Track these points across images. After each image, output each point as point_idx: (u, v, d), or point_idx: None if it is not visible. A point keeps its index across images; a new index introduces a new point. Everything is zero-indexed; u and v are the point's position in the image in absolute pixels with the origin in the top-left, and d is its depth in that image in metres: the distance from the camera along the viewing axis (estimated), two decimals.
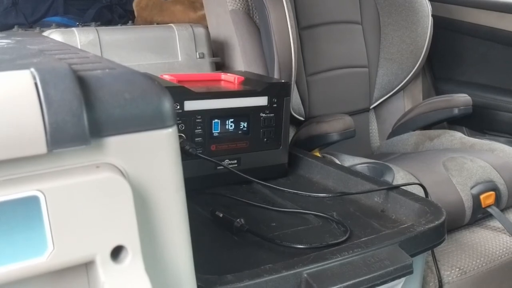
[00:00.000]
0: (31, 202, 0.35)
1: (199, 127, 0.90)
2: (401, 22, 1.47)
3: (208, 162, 0.88)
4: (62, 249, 0.36)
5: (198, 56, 1.20)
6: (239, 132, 0.94)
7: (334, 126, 1.09)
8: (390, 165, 1.07)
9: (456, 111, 1.36)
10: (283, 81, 1.02)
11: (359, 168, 1.06)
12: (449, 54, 1.66)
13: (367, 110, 1.52)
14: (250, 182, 0.93)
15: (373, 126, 1.53)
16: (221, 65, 1.31)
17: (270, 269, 0.60)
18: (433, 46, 1.50)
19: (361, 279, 0.60)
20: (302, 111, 1.33)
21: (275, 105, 0.96)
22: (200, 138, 0.90)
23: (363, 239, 0.69)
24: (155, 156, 0.41)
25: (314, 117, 1.26)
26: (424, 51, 1.48)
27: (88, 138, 0.37)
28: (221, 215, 0.78)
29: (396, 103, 1.53)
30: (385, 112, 1.54)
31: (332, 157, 1.12)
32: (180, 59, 1.17)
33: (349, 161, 1.09)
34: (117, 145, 0.39)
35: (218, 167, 0.91)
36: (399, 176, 1.04)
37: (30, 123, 0.35)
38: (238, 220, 0.75)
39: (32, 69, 0.37)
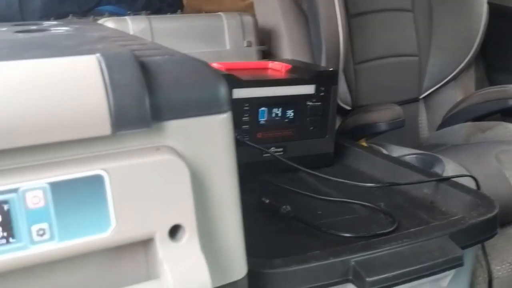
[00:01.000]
0: (96, 181, 0.37)
1: (246, 115, 0.91)
2: (454, 9, 1.42)
3: (254, 149, 0.89)
4: (124, 226, 0.38)
5: (245, 45, 1.21)
6: (285, 120, 0.94)
7: (382, 116, 1.08)
8: (440, 157, 1.04)
9: (511, 102, 1.31)
10: (331, 69, 1.02)
11: (407, 159, 1.04)
12: (505, 43, 1.59)
13: (416, 100, 1.48)
14: (295, 171, 0.94)
15: (423, 117, 1.49)
16: (267, 54, 1.31)
17: (317, 255, 0.60)
18: (487, 34, 1.44)
19: (410, 269, 0.60)
20: (349, 100, 1.32)
21: (322, 94, 0.96)
22: (247, 126, 0.91)
23: (412, 229, 0.68)
24: (211, 140, 0.43)
25: (361, 107, 1.24)
26: (478, 39, 1.43)
27: (149, 122, 0.38)
28: (267, 201, 0.79)
29: (447, 93, 1.48)
30: (435, 102, 1.50)
31: (379, 147, 1.11)
32: (228, 48, 1.18)
33: (397, 151, 1.07)
34: (175, 129, 0.41)
35: (264, 155, 0.92)
36: (449, 168, 1.02)
37: (96, 106, 0.37)
38: (284, 206, 0.76)
39: (98, 54, 0.38)
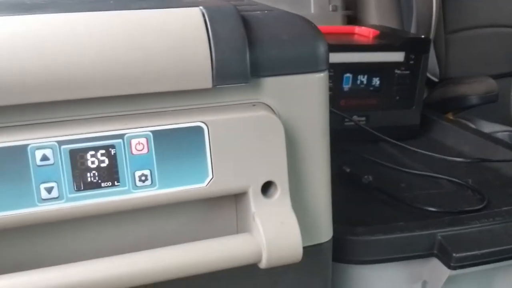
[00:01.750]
0: (196, 132, 0.38)
1: (330, 81, 0.89)
2: None
3: (336, 117, 0.87)
4: (220, 178, 0.39)
5: (331, 9, 1.17)
6: (371, 88, 0.91)
7: (474, 88, 1.01)
8: None
9: None
10: (422, 36, 0.96)
11: (499, 136, 0.98)
12: None
13: (510, 74, 1.37)
14: (377, 141, 0.91)
15: None
16: (353, 19, 1.27)
17: (402, 227, 0.58)
18: None
19: (502, 248, 0.57)
20: (437, 71, 1.24)
21: (411, 62, 0.91)
22: (330, 92, 0.88)
23: (504, 208, 0.64)
24: (307, 99, 0.42)
25: (449, 79, 1.17)
26: None
27: (249, 77, 0.38)
28: (348, 170, 0.78)
29: None
30: None
31: (468, 122, 1.04)
32: (312, 11, 1.15)
33: (487, 127, 1.01)
34: (272, 86, 0.41)
35: (346, 123, 0.90)
36: None
37: (199, 59, 0.37)
38: (366, 176, 0.74)
39: (201, 7, 0.38)
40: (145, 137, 0.37)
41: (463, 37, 1.28)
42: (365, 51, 0.89)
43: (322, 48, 0.41)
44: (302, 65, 0.41)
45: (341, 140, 0.90)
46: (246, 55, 0.38)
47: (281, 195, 0.40)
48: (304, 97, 0.42)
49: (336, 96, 0.89)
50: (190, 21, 0.37)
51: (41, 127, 0.35)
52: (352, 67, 0.89)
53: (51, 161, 0.35)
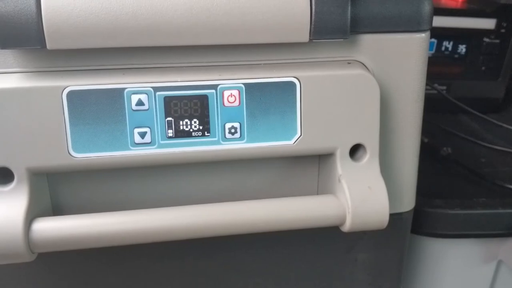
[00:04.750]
0: (288, 88, 0.37)
1: None
2: None
3: None
4: (308, 137, 0.38)
5: None
6: (456, 55, 0.86)
7: None
8: None
9: None
10: None
11: None
12: None
13: None
14: (457, 112, 0.86)
15: None
16: None
17: (484, 203, 0.56)
18: None
19: None
20: None
21: (503, 30, 0.84)
22: None
23: None
24: (405, 60, 0.39)
25: None
26: None
27: (347, 32, 0.36)
28: (426, 140, 0.75)
29: None
30: None
31: None
32: None
33: None
34: (370, 44, 0.38)
35: (427, 90, 0.86)
36: None
37: (298, 11, 0.35)
38: (445, 148, 0.71)
39: None
40: (237, 89, 0.36)
41: None
42: (453, 15, 0.83)
43: (427, 6, 0.38)
44: (404, 23, 0.38)
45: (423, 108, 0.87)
46: (347, 9, 0.36)
47: (369, 159, 0.39)
48: (403, 58, 0.39)
49: None
50: None
51: (138, 72, 0.36)
52: (438, 32, 0.83)
53: (145, 107, 0.35)
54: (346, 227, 0.38)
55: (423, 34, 0.39)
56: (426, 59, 0.40)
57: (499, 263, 0.60)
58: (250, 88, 0.36)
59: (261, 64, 0.38)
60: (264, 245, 0.44)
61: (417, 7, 0.38)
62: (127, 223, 0.35)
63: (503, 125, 0.75)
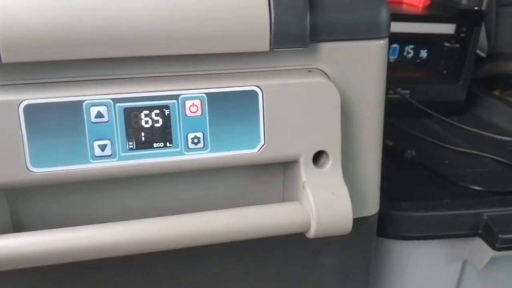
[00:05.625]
0: (250, 97, 0.37)
1: None
2: None
3: None
4: (272, 145, 0.38)
5: None
6: (418, 60, 0.88)
7: None
8: None
9: None
10: (476, 8, 0.91)
11: None
12: None
13: None
14: (420, 116, 0.88)
15: None
16: None
17: (447, 204, 0.57)
18: None
19: None
20: (485, 46, 1.19)
21: (462, 35, 0.87)
22: None
23: None
24: (364, 67, 0.40)
25: (498, 54, 1.12)
26: None
27: (307, 41, 0.37)
28: (390, 143, 0.76)
29: None
30: None
31: None
32: None
33: None
34: (330, 52, 0.39)
35: (390, 95, 0.88)
36: None
37: (258, 21, 0.36)
38: (409, 151, 0.72)
39: None
40: (199, 99, 0.36)
41: None
42: (415, 21, 0.85)
43: (384, 14, 0.39)
44: (362, 31, 0.39)
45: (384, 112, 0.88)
46: (306, 18, 0.36)
47: (332, 165, 0.39)
48: (362, 65, 0.40)
49: None
50: None
51: (97, 83, 0.35)
52: (400, 38, 0.85)
53: (105, 119, 0.35)
54: (311, 234, 0.38)
55: (381, 41, 0.40)
56: (385, 65, 0.41)
57: (464, 262, 0.62)
58: (212, 98, 0.36)
59: (223, 73, 0.38)
60: (231, 254, 0.44)
61: (375, 15, 0.39)
62: (89, 238, 0.35)
63: (465, 127, 0.77)
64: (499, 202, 0.58)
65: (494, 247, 0.55)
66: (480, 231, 0.57)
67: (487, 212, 0.56)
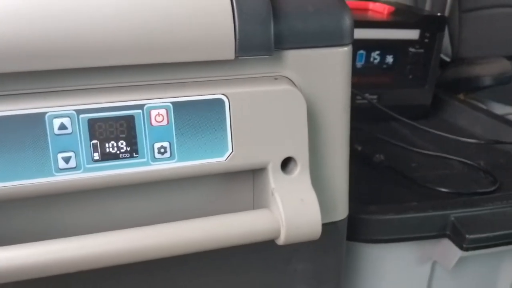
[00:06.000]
0: (217, 105, 0.37)
1: None
2: None
3: None
4: (240, 152, 0.38)
5: None
6: (384, 66, 0.89)
7: (488, 69, 0.99)
8: None
9: None
10: (438, 14, 0.94)
11: (511, 118, 0.97)
12: None
13: None
14: (387, 120, 0.90)
15: None
16: None
17: (415, 207, 0.58)
18: None
19: None
20: (449, 50, 1.22)
21: (426, 40, 0.89)
22: None
23: None
24: (329, 74, 0.41)
25: (462, 59, 1.15)
26: None
27: (272, 48, 0.37)
28: (359, 148, 0.77)
29: None
30: None
31: (479, 104, 1.03)
32: None
33: (500, 109, 0.99)
34: (295, 59, 0.39)
35: (357, 101, 0.89)
36: None
37: (222, 29, 0.36)
38: (377, 155, 0.73)
39: None
40: (165, 108, 0.36)
41: (478, 16, 1.26)
42: (380, 27, 0.87)
43: (347, 21, 0.40)
44: (326, 38, 0.39)
45: (352, 118, 0.90)
46: (270, 26, 0.36)
47: (300, 172, 0.39)
48: (327, 71, 0.40)
49: None
50: None
51: (59, 95, 0.34)
52: (366, 44, 0.87)
53: (69, 130, 0.34)
54: (281, 241, 0.38)
55: (345, 48, 0.41)
56: (350, 71, 0.42)
57: (434, 263, 0.63)
58: (178, 107, 0.36)
59: (188, 82, 0.37)
60: (202, 263, 0.44)
61: (338, 23, 0.39)
62: (54, 253, 0.34)
63: (431, 131, 0.79)
64: (465, 203, 0.60)
65: (462, 248, 0.56)
66: (448, 232, 0.58)
67: (454, 213, 0.58)
